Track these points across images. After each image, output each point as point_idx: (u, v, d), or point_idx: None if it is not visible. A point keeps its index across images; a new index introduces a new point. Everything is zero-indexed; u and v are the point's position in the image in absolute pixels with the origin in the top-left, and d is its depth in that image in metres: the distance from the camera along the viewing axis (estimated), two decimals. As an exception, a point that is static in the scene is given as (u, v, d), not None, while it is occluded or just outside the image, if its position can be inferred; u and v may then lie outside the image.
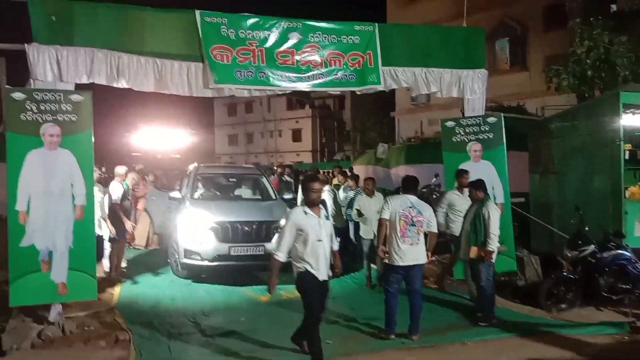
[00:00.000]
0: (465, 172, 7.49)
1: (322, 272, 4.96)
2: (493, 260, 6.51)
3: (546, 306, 6.85)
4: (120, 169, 8.74)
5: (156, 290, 8.03)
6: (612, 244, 7.11)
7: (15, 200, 5.95)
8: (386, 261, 6.04)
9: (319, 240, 4.90)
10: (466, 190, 7.13)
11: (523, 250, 8.21)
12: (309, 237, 4.87)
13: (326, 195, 10.18)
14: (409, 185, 6.16)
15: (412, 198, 6.02)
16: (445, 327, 6.24)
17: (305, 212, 4.94)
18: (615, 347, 5.60)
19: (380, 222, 6.03)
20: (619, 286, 6.86)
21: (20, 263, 5.96)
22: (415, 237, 5.87)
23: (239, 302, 7.62)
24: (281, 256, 4.93)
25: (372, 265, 8.40)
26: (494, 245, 6.34)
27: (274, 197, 10.10)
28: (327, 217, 5.21)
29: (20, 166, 5.97)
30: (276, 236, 8.52)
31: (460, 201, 7.37)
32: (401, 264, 5.85)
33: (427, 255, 6.01)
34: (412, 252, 5.85)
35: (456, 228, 7.27)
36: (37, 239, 6.02)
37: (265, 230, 8.59)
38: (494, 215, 6.38)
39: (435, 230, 6.09)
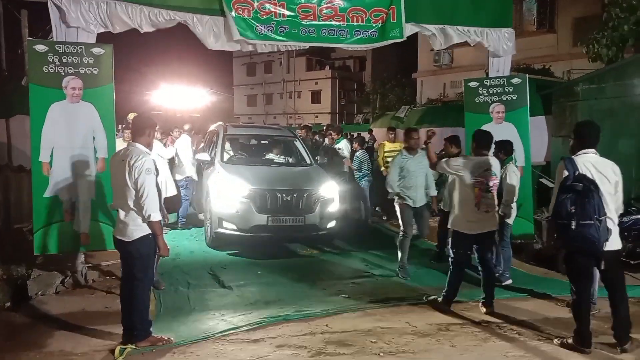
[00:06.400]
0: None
1: None
2: (510, 223, 6.48)
3: (563, 269, 6.80)
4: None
5: (175, 243, 8.18)
6: (633, 208, 7.02)
7: (39, 153, 6.02)
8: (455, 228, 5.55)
9: None
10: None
11: (542, 213, 8.14)
12: None
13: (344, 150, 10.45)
14: (484, 141, 5.49)
15: (492, 160, 5.46)
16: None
17: None
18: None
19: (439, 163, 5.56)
20: (637, 251, 6.79)
21: (44, 213, 6.07)
22: (492, 204, 5.41)
23: (256, 256, 7.74)
24: None
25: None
26: (507, 209, 6.27)
27: (309, 162, 9.26)
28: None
29: (43, 119, 6.01)
30: (318, 207, 7.86)
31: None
32: (471, 232, 5.43)
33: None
34: (484, 220, 5.41)
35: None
36: (60, 190, 6.12)
37: (306, 200, 7.84)
38: (511, 178, 6.28)
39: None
